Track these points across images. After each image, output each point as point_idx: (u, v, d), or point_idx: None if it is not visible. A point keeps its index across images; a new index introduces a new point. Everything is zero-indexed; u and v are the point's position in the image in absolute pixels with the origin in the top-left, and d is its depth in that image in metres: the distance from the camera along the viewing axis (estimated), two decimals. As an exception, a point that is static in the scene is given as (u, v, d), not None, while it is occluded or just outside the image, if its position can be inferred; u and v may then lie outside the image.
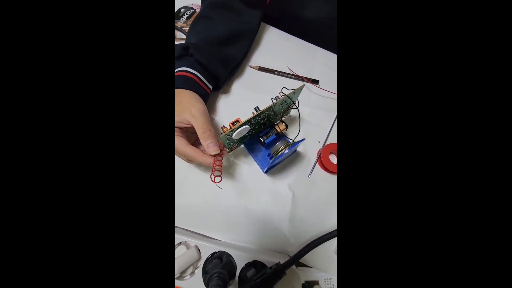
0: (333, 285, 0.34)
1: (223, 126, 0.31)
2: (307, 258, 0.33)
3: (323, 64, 0.50)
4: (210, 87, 0.39)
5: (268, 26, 0.52)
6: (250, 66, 0.47)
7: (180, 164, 0.36)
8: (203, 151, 0.32)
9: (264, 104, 0.33)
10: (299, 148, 0.40)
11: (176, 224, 0.34)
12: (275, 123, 0.37)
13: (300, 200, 0.37)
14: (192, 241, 0.31)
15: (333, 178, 0.39)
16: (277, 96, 0.34)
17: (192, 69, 0.37)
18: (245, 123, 0.31)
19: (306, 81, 0.47)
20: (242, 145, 0.39)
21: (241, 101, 0.43)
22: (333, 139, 0.42)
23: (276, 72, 0.47)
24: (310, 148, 0.41)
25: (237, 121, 0.31)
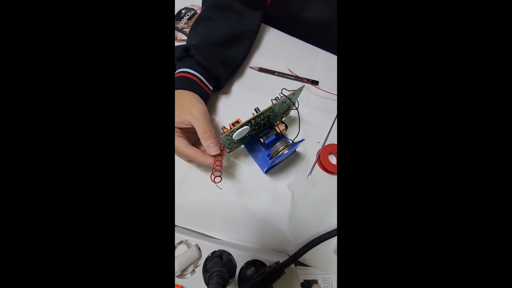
0: (331, 284, 0.34)
1: (224, 126, 0.32)
2: (306, 258, 0.33)
3: (323, 65, 0.50)
4: (211, 88, 0.39)
5: (268, 27, 0.53)
6: (251, 67, 0.47)
7: (180, 164, 0.37)
8: (204, 152, 0.33)
9: (264, 105, 0.33)
10: (299, 149, 0.41)
11: (177, 223, 0.34)
12: (275, 124, 0.38)
13: (300, 200, 0.37)
14: (193, 240, 0.31)
15: (332, 178, 0.40)
16: (277, 97, 0.34)
17: (193, 70, 0.37)
18: (245, 123, 0.32)
19: (305, 82, 0.47)
20: (242, 146, 0.39)
21: (241, 102, 0.44)
22: (332, 139, 0.43)
23: (276, 73, 0.47)
24: (309, 149, 0.41)
25: (237, 121, 0.32)
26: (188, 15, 0.50)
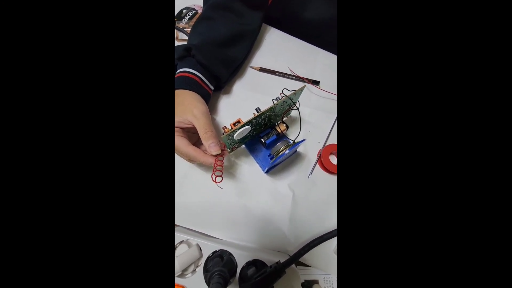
0: (332, 284, 0.34)
1: (225, 126, 0.32)
2: (307, 258, 0.33)
3: (323, 65, 0.50)
4: (212, 87, 0.40)
5: (269, 27, 0.53)
6: (251, 67, 0.47)
7: (181, 164, 0.37)
8: (205, 151, 0.33)
9: (265, 104, 0.33)
10: (300, 149, 0.41)
11: (177, 223, 0.34)
12: (276, 124, 0.38)
13: (300, 200, 0.37)
14: (194, 240, 0.32)
15: (333, 179, 0.40)
16: (278, 97, 0.34)
17: (194, 70, 0.37)
18: (246, 123, 0.32)
19: (306, 82, 0.47)
20: (243, 146, 0.39)
21: (242, 101, 0.44)
22: (333, 139, 0.42)
23: (277, 73, 0.47)
24: (310, 149, 0.41)
25: (238, 121, 0.32)
26: (189, 15, 0.50)
